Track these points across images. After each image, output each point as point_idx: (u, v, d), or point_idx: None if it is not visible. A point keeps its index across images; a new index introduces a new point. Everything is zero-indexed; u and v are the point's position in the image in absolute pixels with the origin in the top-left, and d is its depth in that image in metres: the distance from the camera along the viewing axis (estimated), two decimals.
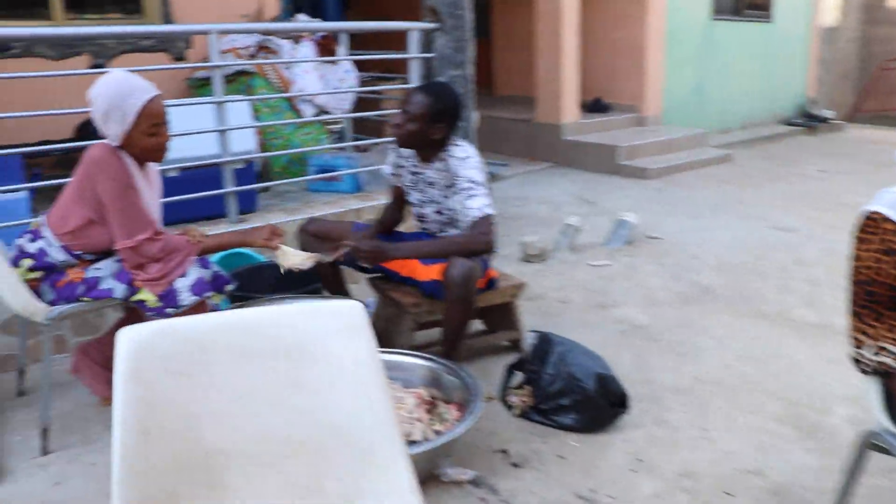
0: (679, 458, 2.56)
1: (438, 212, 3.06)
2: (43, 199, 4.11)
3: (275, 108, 5.30)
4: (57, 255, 2.62)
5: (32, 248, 2.63)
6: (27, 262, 2.63)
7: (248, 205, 4.38)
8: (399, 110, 2.92)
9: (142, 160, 2.64)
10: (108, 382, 2.92)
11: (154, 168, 2.82)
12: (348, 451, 1.41)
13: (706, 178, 6.98)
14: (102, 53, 5.61)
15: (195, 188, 4.03)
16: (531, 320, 3.68)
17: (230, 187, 3.96)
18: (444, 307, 2.83)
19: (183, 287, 2.60)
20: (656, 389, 3.00)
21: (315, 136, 5.44)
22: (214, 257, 3.67)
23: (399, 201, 3.25)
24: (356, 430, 1.44)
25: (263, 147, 5.23)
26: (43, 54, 5.40)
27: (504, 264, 4.48)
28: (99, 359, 2.96)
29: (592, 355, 2.80)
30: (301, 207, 4.36)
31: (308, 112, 5.40)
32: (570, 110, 7.45)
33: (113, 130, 2.51)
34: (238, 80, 5.39)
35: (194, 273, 2.64)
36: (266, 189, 5.07)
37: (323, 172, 5.06)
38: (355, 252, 2.79)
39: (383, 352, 2.75)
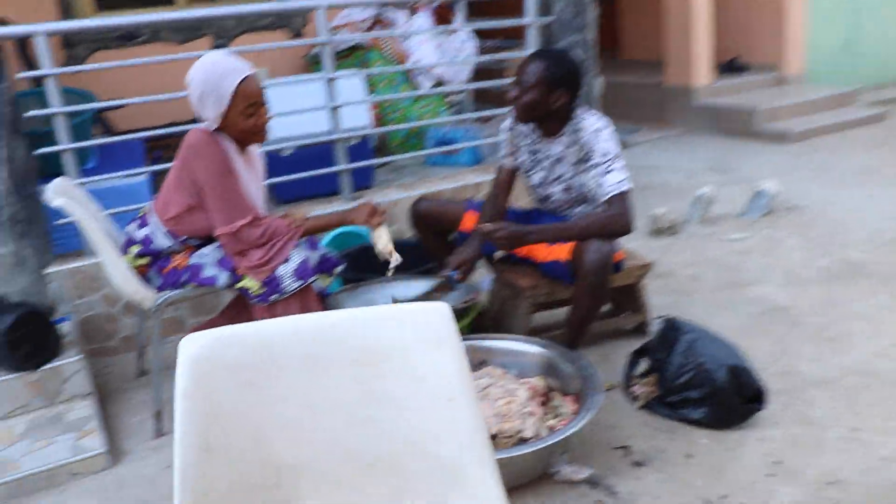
0: (824, 462, 2.28)
1: (567, 189, 2.86)
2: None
3: (391, 81, 5.21)
4: (163, 241, 2.61)
5: (140, 234, 2.64)
6: (135, 249, 2.64)
7: (364, 181, 4.32)
8: (513, 82, 2.73)
9: (241, 143, 2.58)
10: None
11: (256, 150, 2.76)
12: (432, 470, 1.28)
13: (855, 140, 6.37)
14: (223, 34, 5.69)
15: (310, 166, 3.99)
16: (659, 300, 3.44)
17: (343, 164, 3.88)
18: (574, 293, 2.66)
19: (286, 273, 2.53)
20: (798, 381, 2.70)
21: (433, 108, 5.31)
22: (326, 238, 3.65)
23: (509, 184, 3.05)
24: (441, 449, 1.30)
25: (380, 121, 5.16)
26: (168, 39, 5.53)
27: (632, 238, 4.20)
28: None
29: (725, 344, 2.54)
30: (417, 182, 4.25)
31: (425, 84, 5.28)
32: (702, 72, 6.97)
33: (209, 113, 2.46)
34: (353, 55, 5.33)
35: (297, 257, 2.57)
36: (384, 164, 5.01)
37: (441, 145, 4.94)
38: (490, 237, 2.63)
39: (497, 338, 2.64)
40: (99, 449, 2.63)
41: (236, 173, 2.53)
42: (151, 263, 2.67)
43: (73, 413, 2.86)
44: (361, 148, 4.29)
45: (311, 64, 5.80)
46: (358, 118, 4.27)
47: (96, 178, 3.46)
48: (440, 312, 1.32)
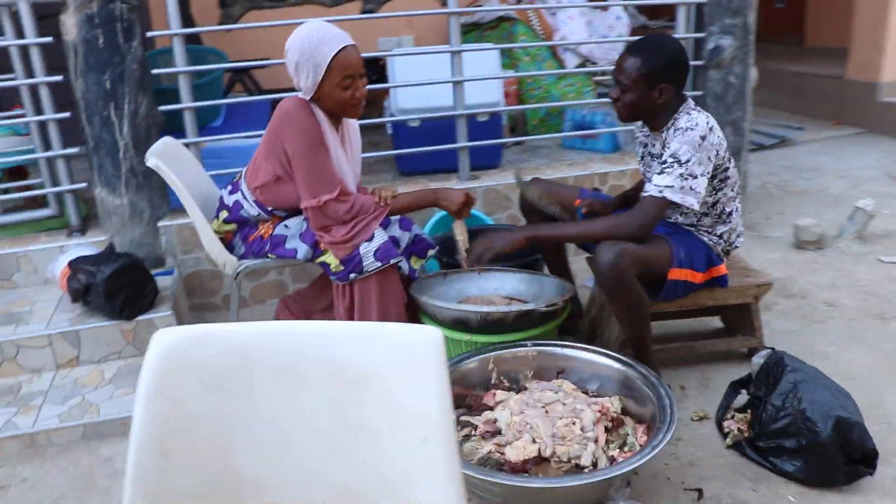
0: None
1: None
2: None
3: (535, 56, 4.99)
4: (250, 209, 2.58)
5: (230, 200, 2.62)
6: (224, 214, 2.63)
7: (490, 160, 4.16)
8: (614, 80, 2.47)
9: (336, 115, 2.49)
10: None
11: (353, 124, 2.66)
12: None
13: None
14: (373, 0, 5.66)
15: (437, 139, 3.88)
16: (783, 324, 3.07)
17: (463, 142, 3.72)
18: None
19: (367, 252, 2.44)
20: None
21: (578, 88, 5.04)
22: (433, 218, 3.53)
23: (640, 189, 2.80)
24: (412, 490, 1.14)
25: (520, 98, 4.96)
26: (319, 1, 5.57)
27: (772, 249, 3.85)
28: (298, 311, 2.94)
29: (836, 391, 2.19)
30: (544, 167, 4.03)
31: (571, 62, 5.02)
32: (892, 65, 6.21)
33: (305, 82, 2.38)
34: (500, 26, 5.15)
35: (380, 237, 2.46)
36: (519, 143, 4.82)
37: (579, 129, 4.68)
38: (482, 248, 2.52)
39: (581, 347, 2.42)
40: None
41: (327, 146, 2.45)
42: (238, 230, 2.66)
43: None
44: (490, 125, 4.12)
45: (463, 33, 5.67)
46: (488, 94, 4.10)
47: (213, 137, 3.51)
48: (431, 339, 1.16)
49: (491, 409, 2.27)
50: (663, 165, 2.37)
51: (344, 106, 2.42)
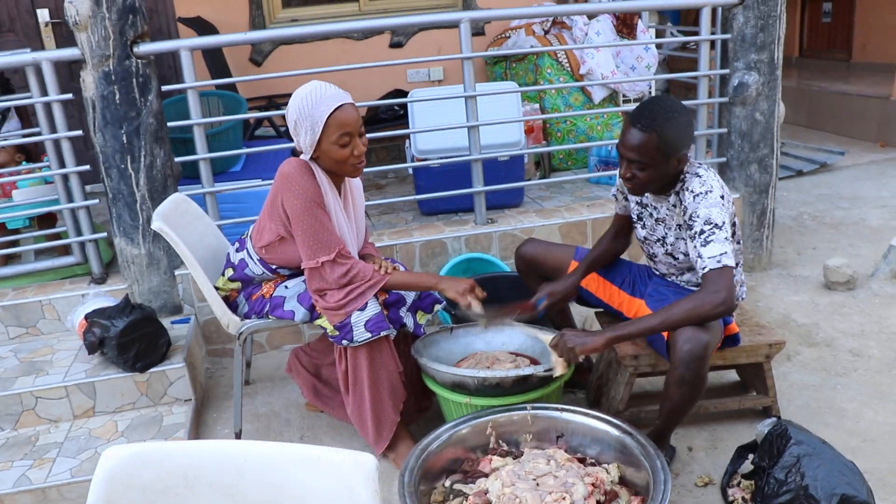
0: None
1: (670, 254, 2.51)
2: None
3: (561, 89, 4.94)
4: (255, 268, 2.60)
5: (236, 258, 2.65)
6: (229, 272, 2.66)
7: (512, 199, 4.12)
8: (621, 158, 2.35)
9: (336, 174, 2.49)
10: (312, 389, 2.91)
11: (355, 184, 2.66)
12: None
13: None
14: (402, 32, 5.68)
15: (457, 180, 3.86)
16: (802, 378, 2.97)
17: (479, 186, 3.70)
18: (665, 382, 2.30)
19: (358, 321, 2.43)
20: None
21: (605, 120, 4.98)
22: (448, 264, 3.51)
23: (624, 229, 2.73)
24: None
25: (545, 131, 4.92)
26: (348, 36, 5.61)
27: (800, 290, 3.74)
28: (307, 364, 2.95)
29: (843, 465, 2.10)
30: (563, 208, 3.97)
31: (598, 94, 4.96)
32: None
33: (304, 141, 2.39)
34: (527, 59, 5.12)
35: (373, 308, 2.45)
36: (540, 181, 4.78)
37: (605, 164, 4.63)
38: (562, 350, 2.34)
39: (580, 412, 2.37)
40: None
41: (326, 207, 2.45)
42: (242, 289, 2.68)
43: (171, 417, 2.97)
44: (511, 164, 4.10)
45: (491, 64, 5.66)
46: (509, 133, 4.07)
47: (230, 186, 3.56)
48: (363, 467, 1.14)
49: (486, 475, 2.24)
50: (703, 236, 2.24)
51: (343, 164, 2.42)
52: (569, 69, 4.90)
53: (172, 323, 3.39)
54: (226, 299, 2.69)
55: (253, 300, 2.64)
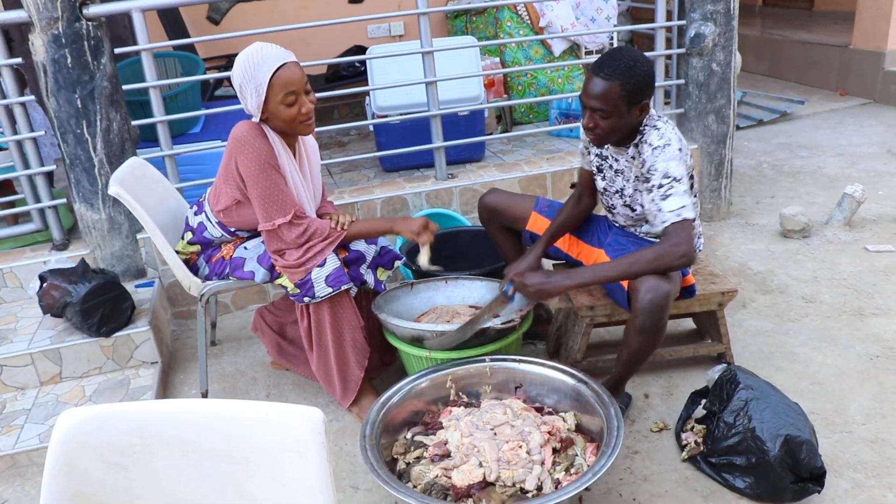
0: None
1: (628, 206, 2.54)
2: None
3: (521, 42, 4.93)
4: (213, 231, 2.61)
5: (195, 221, 2.65)
6: (188, 236, 2.67)
7: (473, 153, 4.15)
8: (584, 108, 2.35)
9: (288, 134, 2.49)
10: (277, 347, 2.95)
11: (310, 143, 2.66)
12: None
13: None
14: None
15: (417, 135, 3.87)
16: (757, 324, 3.05)
17: (438, 142, 3.71)
18: (625, 331, 2.35)
19: (319, 277, 2.46)
20: (890, 455, 2.29)
21: (566, 72, 5.00)
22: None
23: (590, 185, 2.72)
24: None
25: (505, 85, 4.93)
26: None
27: (756, 238, 3.82)
28: (272, 322, 2.98)
29: (787, 407, 2.18)
30: (523, 162, 4.00)
31: (558, 47, 4.95)
32: None
33: (251, 104, 2.39)
34: (486, 12, 5.09)
35: (332, 263, 2.47)
36: (506, 130, 4.80)
37: (566, 116, 4.65)
38: (519, 288, 2.38)
39: (537, 363, 2.43)
40: None
41: (280, 168, 2.46)
42: (202, 251, 2.69)
43: (138, 380, 2.99)
44: (472, 118, 4.11)
45: (451, 19, 5.63)
46: (468, 88, 4.08)
47: (188, 148, 3.54)
48: (310, 421, 1.18)
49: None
50: (662, 189, 2.27)
51: (292, 123, 2.42)
52: (528, 22, 4.89)
53: (137, 287, 3.39)
54: (186, 262, 2.71)
55: (213, 262, 2.65)
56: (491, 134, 4.50)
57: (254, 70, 2.34)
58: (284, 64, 2.35)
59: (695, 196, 2.53)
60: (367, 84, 4.15)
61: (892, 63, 6.07)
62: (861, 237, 3.76)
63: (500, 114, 4.79)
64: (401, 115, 3.90)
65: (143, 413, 1.26)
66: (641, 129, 2.39)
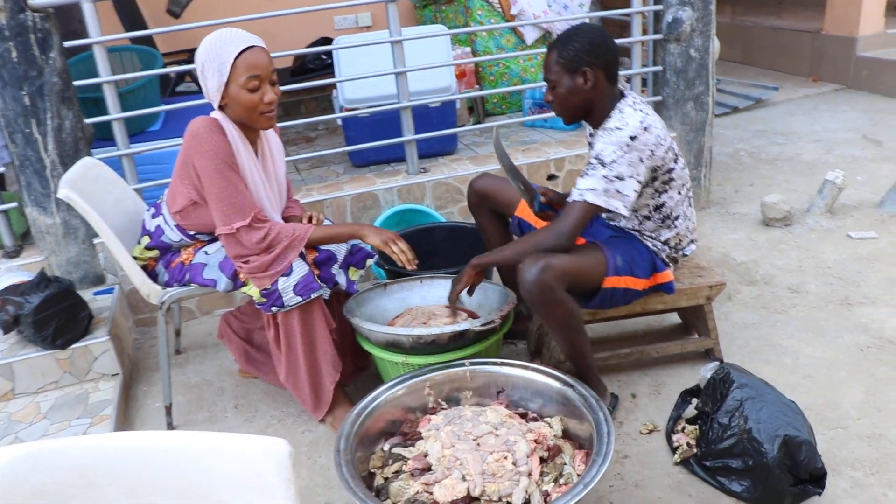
0: None
1: None
2: None
3: (493, 31, 4.79)
4: (171, 234, 2.45)
5: (152, 224, 2.49)
6: (145, 240, 2.50)
7: (445, 146, 4.00)
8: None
9: (248, 127, 2.33)
10: (244, 355, 2.79)
11: (273, 140, 2.50)
12: None
13: None
14: None
15: (387, 129, 3.72)
16: (743, 316, 2.96)
17: (409, 135, 3.56)
18: None
19: (286, 287, 2.30)
20: (887, 452, 2.20)
21: (539, 61, 4.86)
22: (381, 217, 3.40)
23: None
24: None
25: (477, 76, 4.79)
26: None
27: (738, 228, 3.73)
28: (238, 329, 2.83)
29: (784, 407, 2.08)
30: (493, 156, 3.86)
31: (531, 35, 4.82)
32: (871, 18, 6.00)
33: (211, 85, 2.23)
34: (457, 0, 4.94)
35: (299, 270, 2.32)
36: (479, 122, 4.66)
37: (539, 106, 4.53)
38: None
39: (520, 365, 2.30)
40: None
41: (238, 167, 2.30)
42: (160, 257, 2.53)
43: (97, 394, 2.83)
44: (443, 110, 3.97)
45: (419, 7, 5.48)
46: (439, 79, 3.93)
47: (147, 146, 3.36)
48: (276, 453, 1.04)
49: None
50: (587, 167, 2.24)
51: (252, 112, 2.26)
52: (500, 10, 4.75)
53: (95, 294, 3.22)
54: (144, 268, 2.54)
55: (172, 268, 2.49)
56: (463, 126, 4.37)
57: (219, 48, 2.19)
58: (252, 47, 2.22)
59: (689, 200, 2.43)
60: (334, 77, 4.00)
61: (864, 48, 6.02)
62: (843, 224, 3.68)
63: (472, 105, 4.66)
64: (370, 107, 3.75)
65: (85, 450, 1.11)
66: (611, 112, 2.31)
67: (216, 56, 2.20)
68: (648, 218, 2.38)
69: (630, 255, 2.36)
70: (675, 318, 2.97)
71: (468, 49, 4.68)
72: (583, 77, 2.26)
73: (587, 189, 2.21)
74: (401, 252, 2.43)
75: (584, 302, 2.40)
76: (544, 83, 3.91)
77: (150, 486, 1.09)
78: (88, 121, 3.19)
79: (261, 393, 2.84)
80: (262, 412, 2.72)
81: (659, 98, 3.88)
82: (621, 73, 4.18)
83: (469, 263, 2.41)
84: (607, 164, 2.19)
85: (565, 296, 2.21)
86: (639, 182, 2.22)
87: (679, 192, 2.37)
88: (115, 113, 3.19)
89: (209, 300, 3.44)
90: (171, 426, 2.68)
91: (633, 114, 2.24)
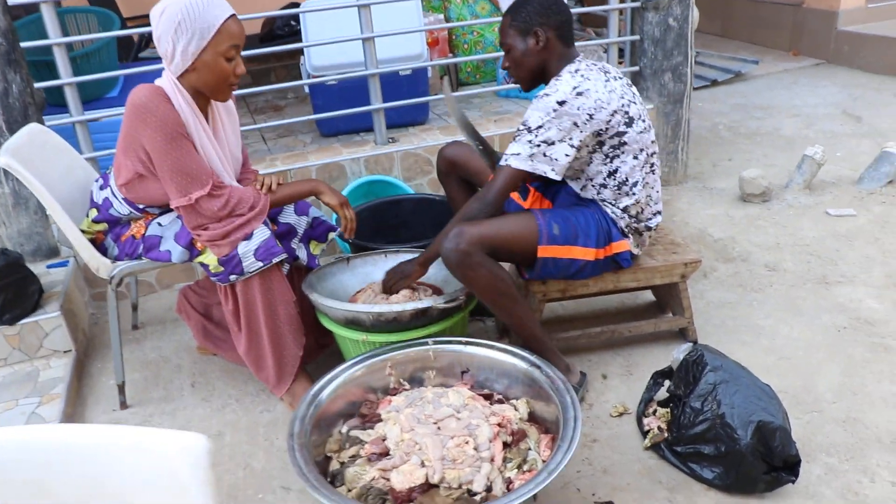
0: None
1: None
2: None
3: None
4: (120, 207, 2.31)
5: (100, 196, 2.36)
6: (93, 213, 2.37)
7: (416, 115, 3.87)
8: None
9: (206, 96, 2.20)
10: (203, 330, 2.68)
11: (226, 106, 2.36)
12: None
13: None
14: None
15: (355, 97, 3.58)
16: (719, 295, 2.88)
17: (377, 103, 3.43)
18: None
19: (247, 252, 2.19)
20: (863, 437, 2.12)
21: None
22: (348, 188, 3.27)
23: None
24: None
25: (450, 44, 4.65)
26: None
27: (715, 203, 3.65)
28: (197, 303, 2.71)
29: (759, 391, 2.00)
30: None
31: (507, 3, 4.68)
32: None
33: (182, 48, 2.07)
34: None
35: (260, 235, 2.21)
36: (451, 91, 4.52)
37: None
38: (384, 288, 2.44)
39: (485, 344, 2.21)
40: (53, 420, 2.46)
41: (189, 136, 2.16)
42: (109, 230, 2.40)
43: (49, 371, 2.70)
44: (414, 79, 3.83)
45: None
46: (409, 46, 3.80)
47: (101, 113, 3.21)
48: (192, 450, 0.93)
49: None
50: (516, 133, 2.20)
51: (222, 83, 2.14)
52: None
53: (49, 267, 3.08)
54: (93, 242, 2.41)
55: (122, 241, 2.36)
56: (436, 95, 4.23)
57: (203, 10, 2.04)
58: (235, 15, 2.10)
59: (651, 167, 2.33)
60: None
61: (845, 23, 5.94)
62: (822, 201, 3.61)
63: (444, 73, 4.52)
64: (338, 75, 3.61)
65: None
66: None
67: (199, 17, 2.04)
68: (605, 185, 2.29)
69: (575, 222, 2.26)
70: (649, 296, 2.88)
71: (441, 16, 4.54)
72: (535, 38, 2.23)
73: (512, 154, 2.18)
74: (350, 220, 2.41)
75: (527, 273, 2.35)
76: None
77: (57, 484, 0.97)
78: (38, 85, 3.03)
79: (219, 371, 2.72)
80: (220, 391, 2.61)
81: (636, 68, 3.77)
82: (597, 42, 4.08)
83: (416, 261, 2.36)
84: (532, 129, 2.16)
85: (485, 259, 2.16)
86: (571, 146, 2.16)
87: (635, 158, 2.27)
88: (66, 77, 3.03)
89: (169, 273, 3.31)
90: (124, 405, 2.56)
91: (569, 79, 2.18)
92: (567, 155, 2.16)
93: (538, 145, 2.14)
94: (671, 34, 3.65)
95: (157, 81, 2.18)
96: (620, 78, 2.29)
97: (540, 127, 2.14)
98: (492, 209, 2.22)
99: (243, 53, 2.21)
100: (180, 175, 2.13)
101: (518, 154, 2.16)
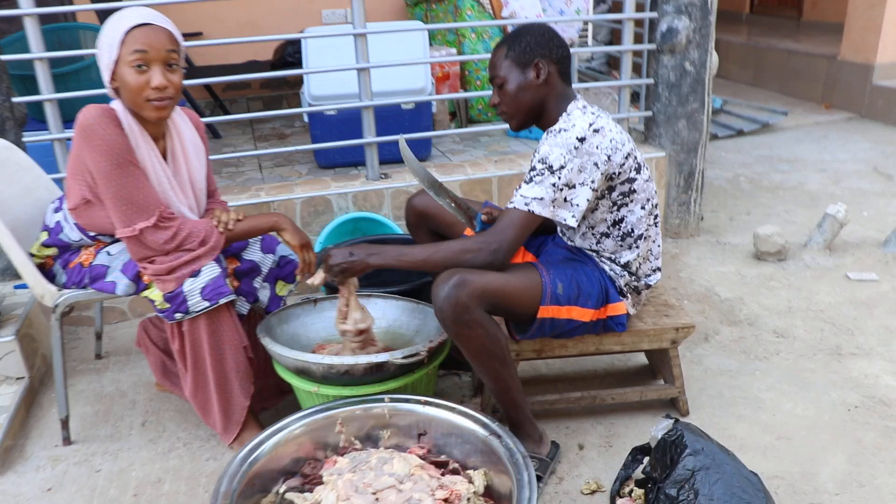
0: None
1: None
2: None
3: (482, 33, 4.51)
4: (70, 232, 2.16)
5: (52, 219, 2.21)
6: (43, 236, 2.22)
7: (418, 151, 3.71)
8: (491, 84, 2.12)
9: (142, 115, 2.02)
10: (161, 367, 2.50)
11: (186, 133, 2.19)
12: None
13: None
14: None
15: (355, 129, 3.42)
16: (719, 361, 2.65)
17: (370, 137, 3.27)
18: None
19: (193, 289, 2.02)
20: None
21: None
22: (332, 224, 3.11)
23: None
24: None
25: (463, 80, 4.51)
26: None
27: (727, 260, 3.43)
28: (156, 337, 2.54)
29: (743, 480, 1.76)
30: (467, 163, 3.57)
31: None
32: (891, 46, 5.66)
33: (104, 61, 1.96)
34: (447, 0, 4.66)
35: (209, 272, 2.03)
36: (460, 127, 4.37)
37: None
38: (325, 268, 2.06)
39: (446, 406, 1.99)
40: None
41: (137, 162, 2.01)
42: (59, 255, 2.25)
43: None
44: (416, 113, 3.68)
45: (411, 6, 5.20)
46: (413, 79, 3.65)
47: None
48: None
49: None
50: (532, 173, 1.94)
51: (137, 96, 1.96)
52: (490, 12, 4.47)
53: (15, 288, 2.94)
54: (41, 267, 2.25)
55: (70, 269, 2.20)
56: (443, 130, 4.08)
57: (115, 22, 1.95)
58: (149, 24, 1.94)
59: (654, 218, 2.13)
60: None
61: (881, 77, 5.70)
62: (842, 263, 3.36)
63: (454, 110, 4.37)
64: (336, 105, 3.46)
65: None
66: (559, 117, 2.05)
67: (110, 31, 1.95)
68: (607, 235, 2.07)
69: (577, 281, 2.05)
70: (642, 358, 2.66)
71: (454, 51, 4.39)
72: (535, 70, 2.01)
73: (534, 198, 1.91)
74: (308, 264, 2.22)
75: (520, 332, 2.11)
76: None
77: None
78: (17, 100, 2.91)
79: (173, 410, 2.54)
80: (170, 432, 2.43)
81: (649, 113, 3.58)
82: (611, 84, 3.90)
83: (364, 258, 2.01)
84: (556, 169, 1.90)
85: (483, 316, 1.89)
86: (592, 189, 1.94)
87: (643, 208, 2.06)
88: (47, 93, 2.92)
89: (142, 301, 3.15)
90: (67, 441, 2.39)
91: (581, 116, 1.97)
92: (588, 200, 1.94)
93: (560, 189, 1.91)
94: (687, 79, 3.45)
95: (113, 103, 2.04)
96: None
97: (563, 167, 1.90)
98: (504, 259, 1.95)
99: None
100: (125, 203, 1.98)
101: (541, 199, 1.91)
